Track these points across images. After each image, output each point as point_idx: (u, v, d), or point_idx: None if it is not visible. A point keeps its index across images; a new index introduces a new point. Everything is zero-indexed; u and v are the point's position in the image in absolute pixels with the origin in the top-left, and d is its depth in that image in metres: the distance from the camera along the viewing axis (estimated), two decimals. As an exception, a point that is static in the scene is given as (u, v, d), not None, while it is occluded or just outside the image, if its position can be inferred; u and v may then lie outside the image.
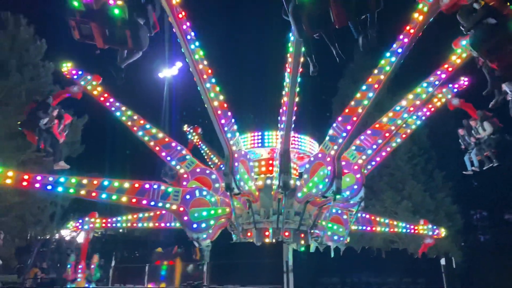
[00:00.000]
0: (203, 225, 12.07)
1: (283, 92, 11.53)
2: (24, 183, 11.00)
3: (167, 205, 12.06)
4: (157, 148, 13.55)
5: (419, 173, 26.07)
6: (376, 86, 10.91)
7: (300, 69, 10.31)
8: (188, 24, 10.93)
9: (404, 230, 17.66)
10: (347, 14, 6.31)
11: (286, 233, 12.74)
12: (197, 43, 11.13)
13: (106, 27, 6.79)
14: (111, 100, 13.97)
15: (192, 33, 11.06)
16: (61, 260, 32.72)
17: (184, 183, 13.32)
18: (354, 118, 11.01)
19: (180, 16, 10.70)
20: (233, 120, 11.80)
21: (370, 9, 6.45)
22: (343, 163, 11.78)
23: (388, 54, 10.86)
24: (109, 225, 16.78)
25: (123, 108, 13.90)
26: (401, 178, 25.73)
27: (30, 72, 21.41)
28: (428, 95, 13.07)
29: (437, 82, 12.86)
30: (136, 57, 7.69)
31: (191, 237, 12.13)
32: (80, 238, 34.17)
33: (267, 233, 12.93)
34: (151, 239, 32.06)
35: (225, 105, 11.62)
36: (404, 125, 14.42)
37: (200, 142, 19.74)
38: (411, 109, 12.80)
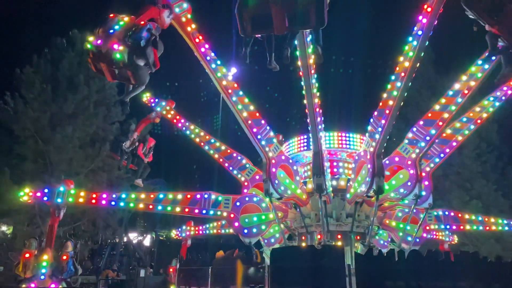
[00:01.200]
0: (254, 230, 12.45)
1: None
2: (93, 201, 12.36)
3: (218, 213, 12.71)
4: (221, 160, 14.78)
5: (489, 171, 24.37)
6: (402, 74, 10.29)
7: (312, 71, 10.00)
8: (206, 46, 11.36)
9: (507, 228, 15.54)
10: (288, 23, 6.07)
11: (339, 236, 12.49)
12: (218, 62, 11.60)
13: (113, 67, 7.84)
14: (182, 121, 15.65)
15: (212, 54, 11.47)
16: (129, 262, 34.41)
17: (245, 190, 13.97)
18: (387, 111, 10.50)
19: (197, 40, 11.19)
20: (268, 127, 11.93)
21: (310, 24, 6.17)
22: (397, 158, 11.31)
23: (410, 39, 10.16)
24: (201, 232, 18.43)
25: (192, 127, 15.50)
26: (469, 176, 24.17)
27: (96, 84, 22.79)
28: (485, 73, 11.52)
29: (494, 58, 11.20)
30: (140, 90, 8.97)
31: (244, 241, 12.56)
32: (147, 242, 35.76)
33: (319, 236, 12.79)
34: (213, 242, 32.77)
35: (257, 114, 11.93)
36: (478, 109, 13.12)
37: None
38: (466, 92, 11.39)
